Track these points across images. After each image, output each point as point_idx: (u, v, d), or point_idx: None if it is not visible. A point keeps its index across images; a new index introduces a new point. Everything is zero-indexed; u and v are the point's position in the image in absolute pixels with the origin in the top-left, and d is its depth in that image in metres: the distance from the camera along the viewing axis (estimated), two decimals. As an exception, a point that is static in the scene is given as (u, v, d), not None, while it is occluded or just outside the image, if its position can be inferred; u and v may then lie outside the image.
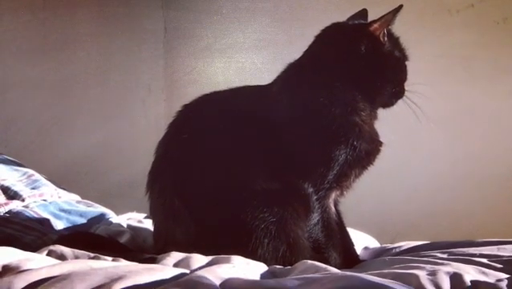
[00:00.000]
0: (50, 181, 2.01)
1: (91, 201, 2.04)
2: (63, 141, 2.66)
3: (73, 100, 2.70)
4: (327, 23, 1.52)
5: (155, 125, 2.58)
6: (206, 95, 1.52)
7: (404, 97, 1.53)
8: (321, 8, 2.50)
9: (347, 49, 1.48)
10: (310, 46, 1.54)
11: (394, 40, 1.52)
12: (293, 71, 1.52)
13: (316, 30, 1.55)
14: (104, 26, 2.70)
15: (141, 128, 2.69)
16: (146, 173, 1.49)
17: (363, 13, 1.57)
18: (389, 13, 1.46)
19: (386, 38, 1.48)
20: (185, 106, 1.52)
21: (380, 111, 1.56)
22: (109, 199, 2.46)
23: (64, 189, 2.03)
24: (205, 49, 2.70)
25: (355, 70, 1.46)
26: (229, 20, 2.67)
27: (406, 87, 1.53)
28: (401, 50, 1.53)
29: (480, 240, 1.46)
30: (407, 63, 1.54)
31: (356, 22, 1.53)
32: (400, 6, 1.47)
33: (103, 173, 2.63)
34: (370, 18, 1.54)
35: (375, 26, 1.47)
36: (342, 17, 1.49)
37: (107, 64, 2.69)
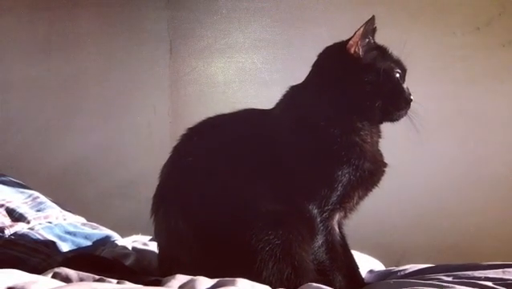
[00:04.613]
0: (55, 203, 2.02)
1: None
2: (63, 141, 2.65)
3: (73, 100, 2.69)
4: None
5: (155, 125, 2.58)
6: (210, 118, 1.53)
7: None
8: (321, 8, 2.49)
9: (332, 71, 1.50)
10: (310, 70, 1.55)
11: (378, 52, 1.51)
12: (293, 95, 1.54)
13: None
14: (106, 27, 2.69)
15: (141, 128, 2.68)
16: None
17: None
18: (361, 27, 1.46)
19: (363, 53, 1.48)
20: (189, 129, 1.52)
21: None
22: (109, 199, 2.47)
23: (70, 211, 2.03)
24: (205, 49, 2.69)
25: (344, 90, 1.47)
26: (229, 20, 2.66)
27: (411, 97, 1.50)
28: (388, 61, 1.51)
29: (485, 263, 1.45)
30: (402, 72, 1.51)
31: (339, 42, 1.53)
32: (372, 18, 1.48)
33: (103, 173, 2.61)
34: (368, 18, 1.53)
35: (350, 42, 1.47)
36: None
37: (108, 64, 2.69)
